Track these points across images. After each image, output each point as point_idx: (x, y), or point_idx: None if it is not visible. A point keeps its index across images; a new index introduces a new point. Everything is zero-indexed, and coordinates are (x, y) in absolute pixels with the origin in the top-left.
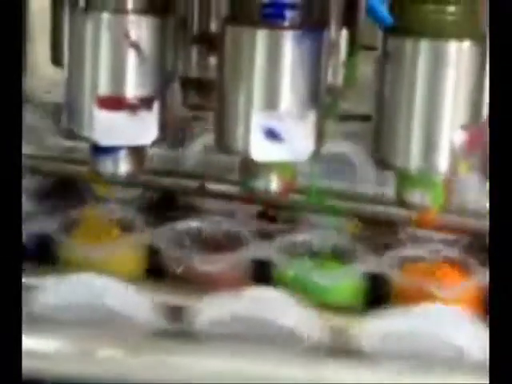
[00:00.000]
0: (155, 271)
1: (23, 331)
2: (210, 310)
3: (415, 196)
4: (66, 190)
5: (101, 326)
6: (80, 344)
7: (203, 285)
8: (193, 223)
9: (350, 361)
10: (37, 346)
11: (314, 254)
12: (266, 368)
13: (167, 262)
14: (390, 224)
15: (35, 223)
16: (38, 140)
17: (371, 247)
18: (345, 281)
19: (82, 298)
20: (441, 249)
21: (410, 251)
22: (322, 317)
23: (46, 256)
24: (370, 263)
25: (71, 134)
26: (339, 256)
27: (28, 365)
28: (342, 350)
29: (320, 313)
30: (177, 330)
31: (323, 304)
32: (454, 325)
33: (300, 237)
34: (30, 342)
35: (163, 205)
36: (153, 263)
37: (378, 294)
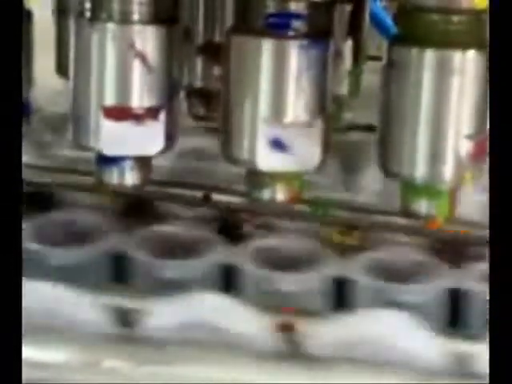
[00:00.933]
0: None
1: (28, 342)
2: (163, 314)
3: (421, 206)
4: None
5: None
6: (84, 355)
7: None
8: (160, 228)
9: (300, 365)
10: (42, 357)
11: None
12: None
13: (137, 268)
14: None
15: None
16: (40, 150)
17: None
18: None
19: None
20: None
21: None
22: (275, 320)
23: None
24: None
25: (78, 145)
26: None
27: (33, 376)
28: (293, 354)
29: (273, 316)
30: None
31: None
32: (405, 330)
33: (268, 242)
34: (34, 353)
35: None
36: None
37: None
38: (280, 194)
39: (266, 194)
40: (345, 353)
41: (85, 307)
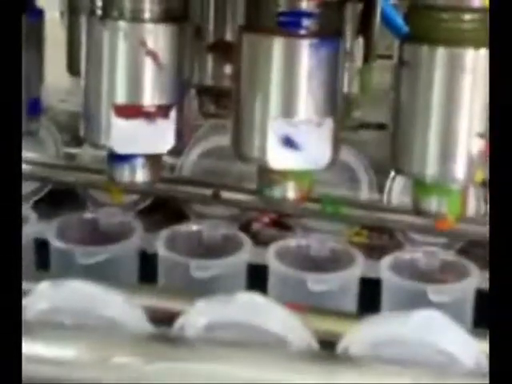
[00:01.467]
0: (150, 276)
1: (39, 338)
2: (201, 315)
3: (432, 204)
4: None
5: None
6: (95, 351)
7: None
8: (191, 227)
9: (338, 366)
10: (53, 353)
11: (310, 259)
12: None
13: (163, 267)
14: (387, 229)
15: (32, 228)
16: (42, 147)
17: (368, 252)
18: (339, 286)
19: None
20: (437, 252)
21: (406, 255)
22: (312, 322)
23: (42, 261)
24: (366, 268)
25: (89, 143)
26: (335, 261)
27: (43, 371)
28: (330, 355)
29: (310, 318)
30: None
31: (315, 309)
32: (444, 332)
33: (296, 241)
34: (47, 350)
35: (159, 210)
36: (148, 268)
37: (372, 299)
38: (291, 192)
39: (276, 192)
40: (378, 353)
41: (114, 306)
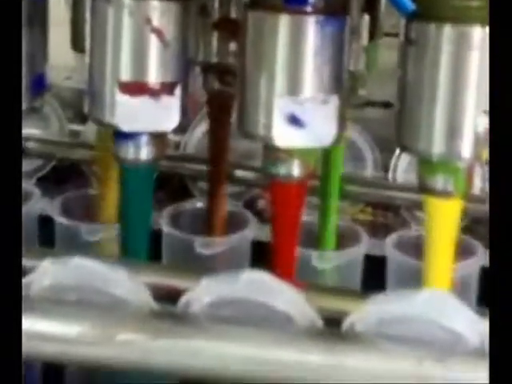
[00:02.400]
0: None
1: (43, 315)
2: (206, 292)
3: (437, 182)
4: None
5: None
6: (99, 328)
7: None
8: (196, 204)
9: (342, 345)
10: (57, 330)
11: (313, 236)
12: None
13: (168, 244)
14: (392, 207)
15: (36, 205)
16: (45, 124)
17: (373, 230)
18: (344, 263)
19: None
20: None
21: (411, 233)
22: (317, 300)
23: (46, 238)
24: (371, 245)
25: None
26: (340, 238)
27: (48, 349)
28: (335, 333)
29: (315, 296)
30: (190, 314)
31: (319, 287)
32: (450, 310)
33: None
34: (51, 327)
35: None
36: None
37: (377, 277)
38: (296, 170)
39: (282, 170)
40: (384, 331)
41: (119, 283)
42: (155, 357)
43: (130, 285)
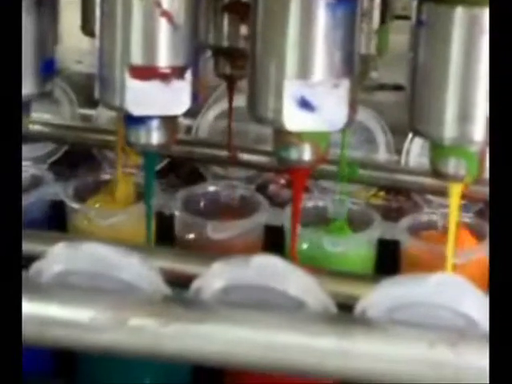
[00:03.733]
0: (167, 237)
1: (55, 301)
2: (218, 277)
3: (450, 166)
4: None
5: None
6: (111, 313)
7: (214, 252)
8: (209, 188)
9: (354, 329)
10: (69, 316)
11: (326, 221)
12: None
13: (180, 228)
14: (405, 191)
15: (48, 189)
16: (57, 109)
17: (385, 214)
18: (356, 248)
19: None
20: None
21: (424, 217)
22: (330, 284)
23: (58, 223)
24: (384, 230)
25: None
26: (352, 222)
27: (59, 334)
28: (348, 318)
29: (327, 280)
30: (200, 299)
31: (332, 271)
32: (462, 294)
33: (312, 203)
34: (62, 312)
35: (175, 172)
36: (163, 230)
37: (390, 261)
38: (307, 154)
39: (292, 154)
40: (396, 316)
41: (130, 268)
42: (166, 342)
43: (141, 270)
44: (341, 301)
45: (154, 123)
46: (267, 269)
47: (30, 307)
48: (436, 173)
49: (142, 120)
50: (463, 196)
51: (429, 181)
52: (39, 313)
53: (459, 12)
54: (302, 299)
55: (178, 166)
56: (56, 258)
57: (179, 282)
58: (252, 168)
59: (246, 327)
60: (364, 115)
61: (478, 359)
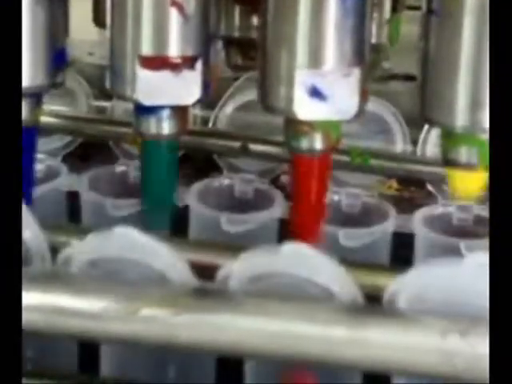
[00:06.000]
0: (180, 229)
1: (66, 291)
2: (245, 267)
3: (461, 154)
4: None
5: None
6: (124, 303)
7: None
8: (224, 181)
9: (386, 320)
10: (80, 306)
11: (341, 213)
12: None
13: (194, 220)
14: (417, 181)
15: (63, 181)
16: (72, 101)
17: (401, 206)
18: (371, 241)
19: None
20: (470, 206)
21: (440, 209)
22: (355, 275)
23: (73, 214)
24: (398, 222)
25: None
26: (367, 215)
27: (70, 324)
28: (377, 309)
29: (353, 271)
30: (212, 288)
31: (354, 263)
32: (478, 284)
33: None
34: (74, 302)
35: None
36: (177, 221)
37: (404, 253)
38: (318, 143)
39: (304, 144)
40: (426, 305)
41: (162, 258)
42: (178, 332)
43: (171, 260)
44: (368, 292)
45: (165, 113)
46: (296, 257)
47: (41, 297)
48: (448, 161)
49: (152, 110)
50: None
51: (444, 171)
52: (50, 302)
53: (470, 0)
54: (330, 288)
55: (193, 157)
56: (84, 247)
57: (202, 273)
58: (264, 159)
59: (258, 316)
60: (378, 106)
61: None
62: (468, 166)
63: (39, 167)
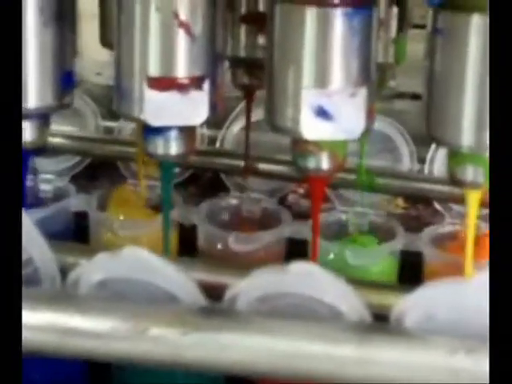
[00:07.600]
0: (187, 249)
1: (75, 311)
2: (253, 286)
3: (467, 173)
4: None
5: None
6: (132, 322)
7: (238, 263)
8: (231, 200)
9: (392, 338)
10: (89, 325)
11: (348, 233)
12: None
13: (202, 239)
14: (424, 199)
15: (72, 201)
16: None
17: (408, 224)
18: (379, 260)
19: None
20: (479, 224)
21: (447, 228)
22: (363, 294)
23: (82, 234)
24: (406, 241)
25: (122, 115)
26: (375, 234)
27: (79, 344)
28: (384, 327)
29: (361, 290)
30: (220, 308)
31: (363, 282)
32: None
33: (334, 216)
34: (83, 322)
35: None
36: (185, 241)
37: (412, 272)
38: (325, 163)
39: (310, 163)
40: (434, 323)
41: (170, 278)
42: (186, 351)
43: (180, 280)
44: (375, 311)
45: (173, 133)
46: (304, 276)
47: (50, 317)
48: (454, 180)
49: (160, 130)
50: (485, 204)
51: (451, 189)
52: (60, 323)
53: (476, 20)
54: (338, 308)
55: (200, 176)
56: (93, 267)
57: (210, 293)
58: (271, 178)
59: (265, 335)
60: (385, 124)
61: None
62: (474, 185)
63: (47, 188)
